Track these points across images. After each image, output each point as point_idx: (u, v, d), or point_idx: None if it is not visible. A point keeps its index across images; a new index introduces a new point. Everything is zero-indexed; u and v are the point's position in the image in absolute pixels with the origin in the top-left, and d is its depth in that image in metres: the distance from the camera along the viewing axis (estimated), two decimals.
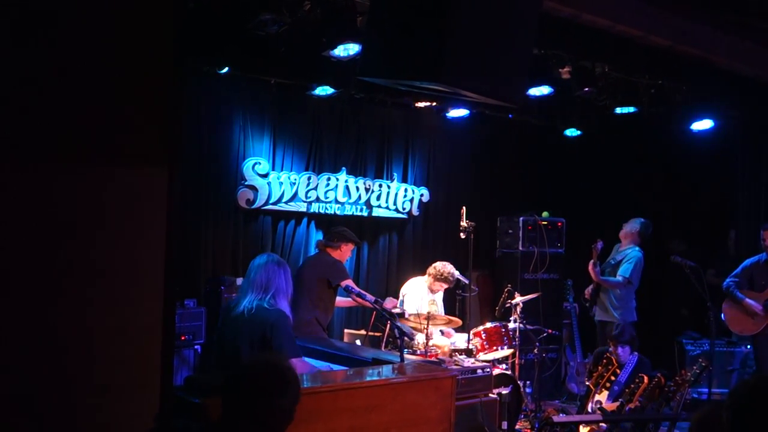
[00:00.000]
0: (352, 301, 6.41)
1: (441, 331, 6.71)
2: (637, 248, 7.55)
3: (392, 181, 8.24)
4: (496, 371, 6.19)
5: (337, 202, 7.77)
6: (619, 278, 7.43)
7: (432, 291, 7.00)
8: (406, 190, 8.36)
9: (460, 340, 6.65)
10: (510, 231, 8.55)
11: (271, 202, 7.31)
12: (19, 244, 2.80)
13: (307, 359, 4.89)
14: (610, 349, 6.13)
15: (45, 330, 2.84)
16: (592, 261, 7.45)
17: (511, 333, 6.83)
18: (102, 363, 2.96)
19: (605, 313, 7.52)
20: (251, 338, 4.24)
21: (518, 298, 7.14)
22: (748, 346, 7.68)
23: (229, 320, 4.41)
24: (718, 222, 8.80)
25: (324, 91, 6.98)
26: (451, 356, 6.10)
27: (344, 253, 6.48)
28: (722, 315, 7.31)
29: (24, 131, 2.82)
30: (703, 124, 8.01)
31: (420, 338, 6.14)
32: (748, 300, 7.10)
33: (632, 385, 5.28)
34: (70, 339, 2.90)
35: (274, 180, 7.30)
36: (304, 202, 7.54)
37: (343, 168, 7.82)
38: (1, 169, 2.77)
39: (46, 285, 2.85)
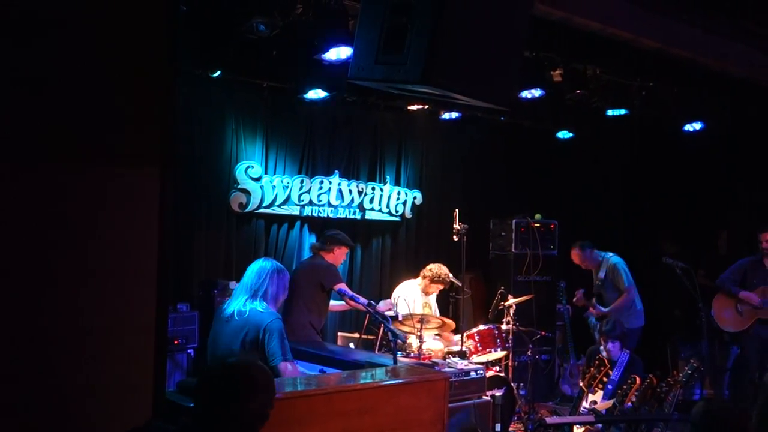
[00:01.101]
0: (347, 305, 6.41)
1: (438, 334, 6.71)
2: (608, 255, 7.63)
3: (385, 184, 8.25)
4: (489, 373, 6.20)
5: (330, 205, 7.77)
6: (624, 296, 7.49)
7: (426, 293, 7.01)
8: (399, 193, 8.37)
9: (454, 342, 6.65)
10: (503, 233, 8.56)
11: (264, 205, 7.31)
12: (10, 245, 2.80)
13: (300, 363, 4.90)
14: (601, 347, 6.16)
15: (36, 332, 2.84)
16: (589, 307, 7.54)
17: (504, 335, 6.84)
18: (94, 366, 2.96)
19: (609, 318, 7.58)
20: (244, 340, 4.26)
21: (511, 300, 7.15)
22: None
23: (221, 321, 4.42)
24: (710, 223, 8.84)
25: (316, 94, 6.98)
26: (444, 358, 6.11)
27: (338, 257, 6.48)
28: (712, 312, 7.35)
29: (16, 133, 2.82)
30: (694, 126, 8.05)
31: (413, 341, 6.15)
32: (743, 293, 7.16)
33: (624, 386, 5.30)
34: (62, 341, 2.89)
35: (266, 183, 7.30)
36: (297, 205, 7.54)
37: (336, 171, 7.83)
38: None
39: (36, 287, 2.85)
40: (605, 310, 7.55)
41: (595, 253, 7.77)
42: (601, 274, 7.67)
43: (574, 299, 7.69)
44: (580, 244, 7.78)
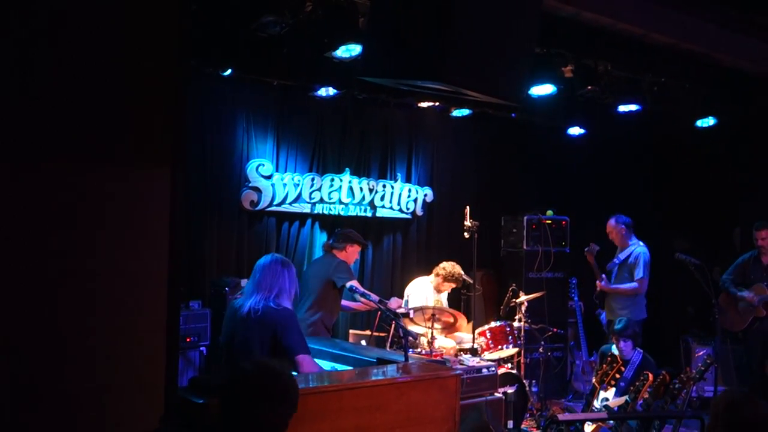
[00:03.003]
0: (360, 304, 6.41)
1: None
2: (640, 243, 7.55)
3: (396, 181, 8.25)
4: (501, 370, 6.19)
5: (341, 202, 7.77)
6: (634, 284, 7.41)
7: (438, 291, 7.01)
8: (410, 191, 8.36)
9: (466, 339, 6.65)
10: (514, 230, 8.55)
11: (275, 203, 7.33)
12: (24, 245, 2.81)
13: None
14: (613, 346, 6.13)
15: (50, 330, 2.86)
16: (597, 278, 7.48)
17: (516, 332, 6.83)
18: (107, 364, 2.97)
19: (612, 313, 7.52)
20: (261, 340, 4.24)
21: (523, 297, 7.14)
22: None
23: (235, 323, 4.40)
24: (723, 219, 8.79)
25: (327, 92, 7.00)
26: (456, 355, 6.10)
27: (350, 255, 6.47)
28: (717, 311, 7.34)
29: (28, 134, 2.83)
30: (706, 121, 8.00)
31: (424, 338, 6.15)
32: (743, 293, 7.17)
33: (637, 383, 5.27)
34: (75, 340, 2.91)
35: (277, 181, 7.32)
36: (308, 203, 7.55)
37: (347, 169, 7.83)
38: (9, 171, 2.78)
39: (50, 286, 2.86)
40: (612, 286, 7.48)
41: (628, 233, 7.62)
42: (621, 256, 7.59)
43: (586, 249, 7.56)
44: (618, 218, 7.63)
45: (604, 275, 7.49)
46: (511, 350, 6.76)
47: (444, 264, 6.96)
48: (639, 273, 7.41)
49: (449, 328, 6.67)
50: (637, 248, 7.50)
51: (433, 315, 6.12)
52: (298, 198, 7.47)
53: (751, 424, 2.68)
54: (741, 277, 7.36)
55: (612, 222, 7.65)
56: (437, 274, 6.95)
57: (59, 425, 2.88)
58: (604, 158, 9.20)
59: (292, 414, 2.67)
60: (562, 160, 9.27)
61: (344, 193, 7.78)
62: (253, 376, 2.63)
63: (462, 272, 6.90)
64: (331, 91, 6.97)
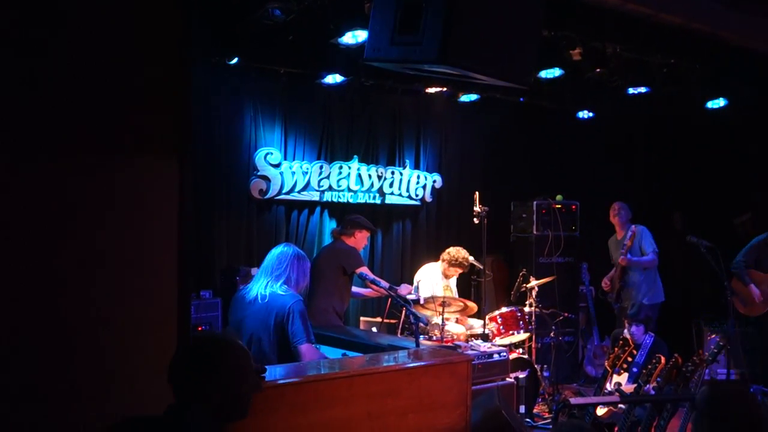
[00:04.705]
0: (371, 291, 6.42)
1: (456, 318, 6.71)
2: (634, 226, 7.59)
3: (404, 168, 8.23)
4: (512, 355, 6.19)
5: (349, 190, 7.77)
6: (650, 255, 7.48)
7: (446, 276, 7.00)
8: (418, 177, 8.34)
9: (476, 325, 6.65)
10: (524, 215, 8.52)
11: (284, 191, 7.33)
12: (32, 237, 2.81)
13: (322, 348, 4.91)
14: (625, 330, 6.12)
15: (59, 322, 2.86)
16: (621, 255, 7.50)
17: (527, 317, 6.82)
18: (118, 354, 2.98)
19: (632, 301, 7.51)
20: (267, 325, 4.26)
21: (533, 282, 7.12)
22: None
23: (243, 307, 4.42)
24: (734, 202, 8.71)
25: (334, 79, 6.98)
26: (467, 341, 6.10)
27: (359, 241, 6.47)
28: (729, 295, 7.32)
29: (35, 125, 2.83)
30: (716, 103, 7.93)
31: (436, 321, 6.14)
32: (752, 286, 7.15)
33: (649, 366, 5.25)
34: (86, 330, 2.91)
35: (286, 170, 7.32)
36: (317, 191, 7.55)
37: (355, 156, 7.82)
38: (15, 162, 2.78)
39: (58, 277, 2.86)
40: (634, 258, 7.50)
41: (629, 216, 7.79)
42: (627, 240, 7.62)
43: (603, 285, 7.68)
44: (623, 204, 7.83)
45: (623, 251, 7.51)
46: (522, 335, 6.75)
47: (449, 249, 6.95)
48: (649, 246, 7.45)
49: (460, 314, 6.66)
50: (637, 228, 7.58)
51: (444, 302, 6.11)
52: (306, 186, 7.47)
53: (737, 416, 2.57)
54: (754, 259, 7.30)
55: (621, 205, 7.78)
56: (443, 260, 6.95)
57: (69, 416, 2.89)
58: (613, 141, 9.14)
59: (244, 389, 2.45)
60: (571, 144, 9.22)
61: (353, 180, 7.77)
62: (193, 353, 2.45)
63: (468, 256, 6.87)
64: (338, 78, 6.95)
